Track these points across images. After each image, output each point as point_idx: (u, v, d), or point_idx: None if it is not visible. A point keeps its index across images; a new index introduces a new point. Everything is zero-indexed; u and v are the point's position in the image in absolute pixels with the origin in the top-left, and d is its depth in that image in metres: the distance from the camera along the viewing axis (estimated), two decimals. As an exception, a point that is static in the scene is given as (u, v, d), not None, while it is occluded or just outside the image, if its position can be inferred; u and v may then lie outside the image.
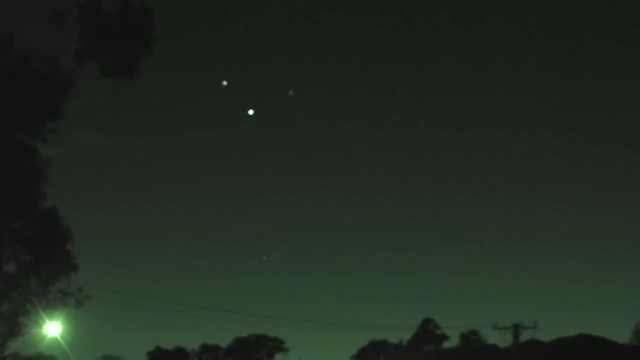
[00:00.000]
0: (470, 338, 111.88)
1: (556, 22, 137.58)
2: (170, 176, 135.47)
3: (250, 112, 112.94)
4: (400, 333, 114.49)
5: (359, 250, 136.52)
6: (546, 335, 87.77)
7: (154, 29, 33.38)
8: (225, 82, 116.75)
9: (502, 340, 70.58)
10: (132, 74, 33.64)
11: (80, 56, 32.94)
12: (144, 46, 33.33)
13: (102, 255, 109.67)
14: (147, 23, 33.14)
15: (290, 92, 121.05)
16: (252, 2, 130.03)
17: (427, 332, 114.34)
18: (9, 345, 37.15)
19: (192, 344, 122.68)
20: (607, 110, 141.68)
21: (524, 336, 67.55)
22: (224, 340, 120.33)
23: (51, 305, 37.62)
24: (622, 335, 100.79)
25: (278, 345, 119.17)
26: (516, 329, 66.90)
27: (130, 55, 33.25)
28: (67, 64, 33.12)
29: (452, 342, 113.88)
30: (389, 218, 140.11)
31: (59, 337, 40.89)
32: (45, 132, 34.01)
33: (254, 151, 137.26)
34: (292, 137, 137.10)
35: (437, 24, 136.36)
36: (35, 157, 34.72)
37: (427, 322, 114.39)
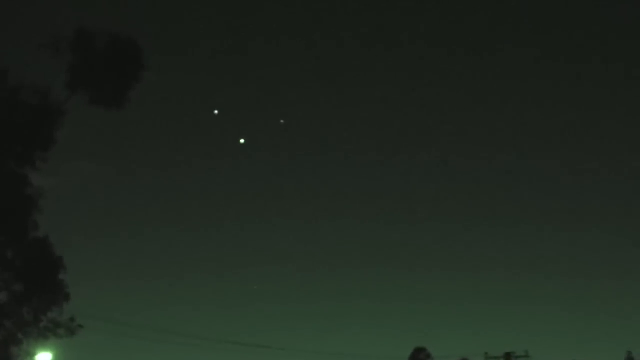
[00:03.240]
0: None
1: (550, 38, 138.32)
2: (161, 205, 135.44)
3: (242, 140, 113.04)
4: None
5: (350, 279, 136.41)
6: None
7: (143, 59, 33.92)
8: (216, 111, 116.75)
9: (493, 368, 70.97)
10: (122, 102, 34.12)
11: (71, 86, 33.38)
12: (132, 75, 33.83)
13: (93, 284, 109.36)
14: (136, 53, 33.66)
15: (282, 121, 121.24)
16: (243, 30, 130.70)
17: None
18: (0, 375, 37.17)
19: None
20: (605, 135, 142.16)
21: (516, 364, 67.90)
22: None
23: (43, 335, 37.66)
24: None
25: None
26: (508, 357, 67.30)
27: (119, 84, 33.74)
28: (57, 93, 33.57)
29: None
30: (380, 246, 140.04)
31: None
32: (36, 161, 34.29)
33: (244, 179, 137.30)
34: (284, 166, 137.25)
35: (432, 50, 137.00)
36: (27, 186, 34.95)
37: (418, 351, 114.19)
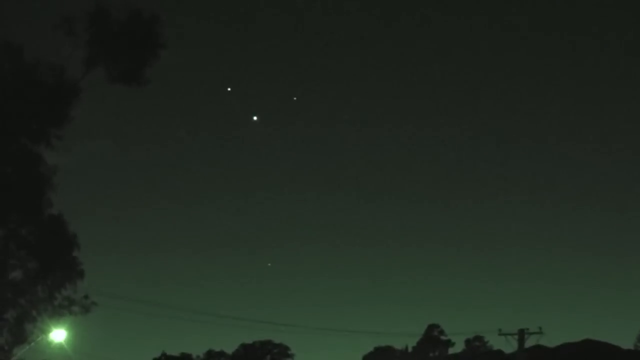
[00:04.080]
0: (475, 344, 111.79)
1: (558, 21, 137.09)
2: (176, 182, 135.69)
3: (255, 117, 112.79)
4: (406, 339, 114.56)
5: (364, 256, 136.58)
6: (551, 340, 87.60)
7: (161, 36, 33.67)
8: (229, 88, 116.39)
9: (507, 346, 70.42)
10: (139, 79, 33.88)
11: (88, 63, 33.18)
12: (150, 52, 33.58)
13: (108, 261, 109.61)
14: (154, 30, 33.41)
15: (295, 98, 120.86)
16: (257, 8, 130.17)
17: (432, 338, 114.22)
18: (15, 352, 37.20)
19: (197, 351, 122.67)
20: (614, 113, 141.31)
21: (529, 342, 67.41)
22: (229, 347, 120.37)
23: (57, 312, 37.64)
24: (626, 341, 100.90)
25: (283, 352, 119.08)
26: (521, 334, 66.73)
27: (138, 61, 33.48)
28: (74, 71, 33.39)
29: (458, 348, 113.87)
30: (394, 223, 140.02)
31: (64, 344, 40.93)
32: (51, 139, 34.15)
33: (258, 157, 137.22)
34: (297, 143, 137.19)
35: (439, 27, 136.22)
36: (41, 164, 34.83)
37: (432, 328, 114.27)
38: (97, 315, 39.87)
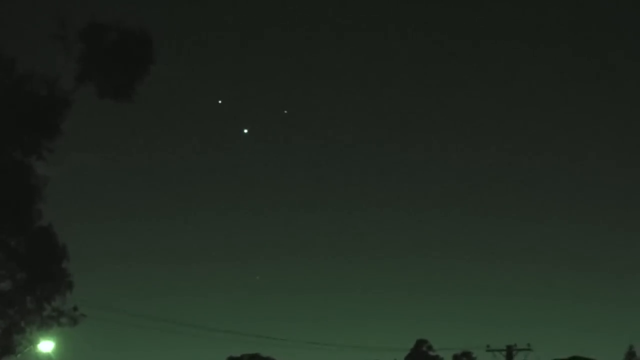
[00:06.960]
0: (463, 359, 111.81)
1: (557, 32, 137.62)
2: (165, 195, 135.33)
3: (245, 130, 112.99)
4: (394, 354, 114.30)
5: (353, 270, 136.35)
6: (539, 357, 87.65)
7: (153, 53, 34.01)
8: (220, 101, 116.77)
9: (495, 362, 71.02)
10: (130, 96, 34.22)
11: (79, 78, 33.43)
12: (141, 69, 33.91)
13: (97, 273, 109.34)
14: (146, 47, 33.72)
15: (285, 111, 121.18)
16: (247, 20, 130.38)
17: (421, 353, 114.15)
18: (2, 363, 37.23)
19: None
20: (606, 128, 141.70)
21: (517, 358, 68.04)
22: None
23: (46, 324, 37.67)
24: (615, 358, 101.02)
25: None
26: (509, 350, 67.44)
27: (128, 78, 33.81)
28: (65, 84, 33.63)
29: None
30: (382, 237, 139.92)
31: (52, 355, 40.94)
32: (42, 151, 34.35)
33: (248, 170, 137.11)
34: (287, 156, 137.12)
35: (433, 42, 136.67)
36: (32, 175, 34.99)
37: (420, 343, 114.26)
38: (86, 327, 39.93)
